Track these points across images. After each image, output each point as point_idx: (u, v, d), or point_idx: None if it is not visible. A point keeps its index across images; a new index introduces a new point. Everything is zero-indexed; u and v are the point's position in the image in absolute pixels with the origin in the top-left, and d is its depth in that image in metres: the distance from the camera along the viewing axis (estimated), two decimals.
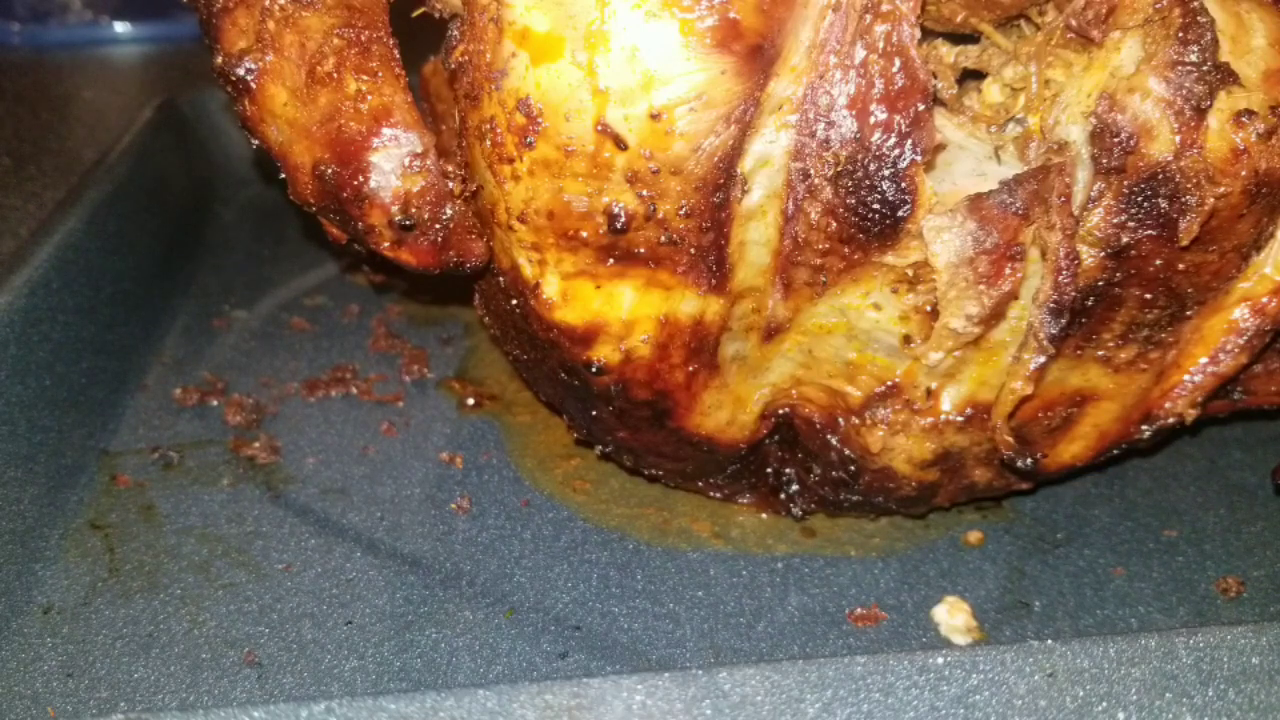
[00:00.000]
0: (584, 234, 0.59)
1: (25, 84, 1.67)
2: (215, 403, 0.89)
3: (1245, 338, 0.67)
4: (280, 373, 0.94)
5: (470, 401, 0.91)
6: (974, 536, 0.77)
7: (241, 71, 0.60)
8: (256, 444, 0.84)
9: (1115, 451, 0.72)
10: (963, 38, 0.68)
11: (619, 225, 0.58)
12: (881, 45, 0.57)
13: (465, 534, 0.76)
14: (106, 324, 0.90)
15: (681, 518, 0.78)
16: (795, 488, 0.74)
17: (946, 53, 0.67)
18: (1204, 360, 0.68)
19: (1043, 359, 0.61)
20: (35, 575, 0.71)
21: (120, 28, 1.85)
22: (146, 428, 0.86)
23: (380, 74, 0.58)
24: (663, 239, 0.59)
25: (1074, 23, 0.60)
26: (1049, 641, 0.55)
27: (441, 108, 0.83)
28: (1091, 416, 0.69)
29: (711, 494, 0.78)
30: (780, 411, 0.71)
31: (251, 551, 0.74)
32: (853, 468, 0.70)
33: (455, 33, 0.61)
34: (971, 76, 0.69)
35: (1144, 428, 0.70)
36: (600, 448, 0.74)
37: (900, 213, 0.58)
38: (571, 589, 0.72)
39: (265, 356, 0.97)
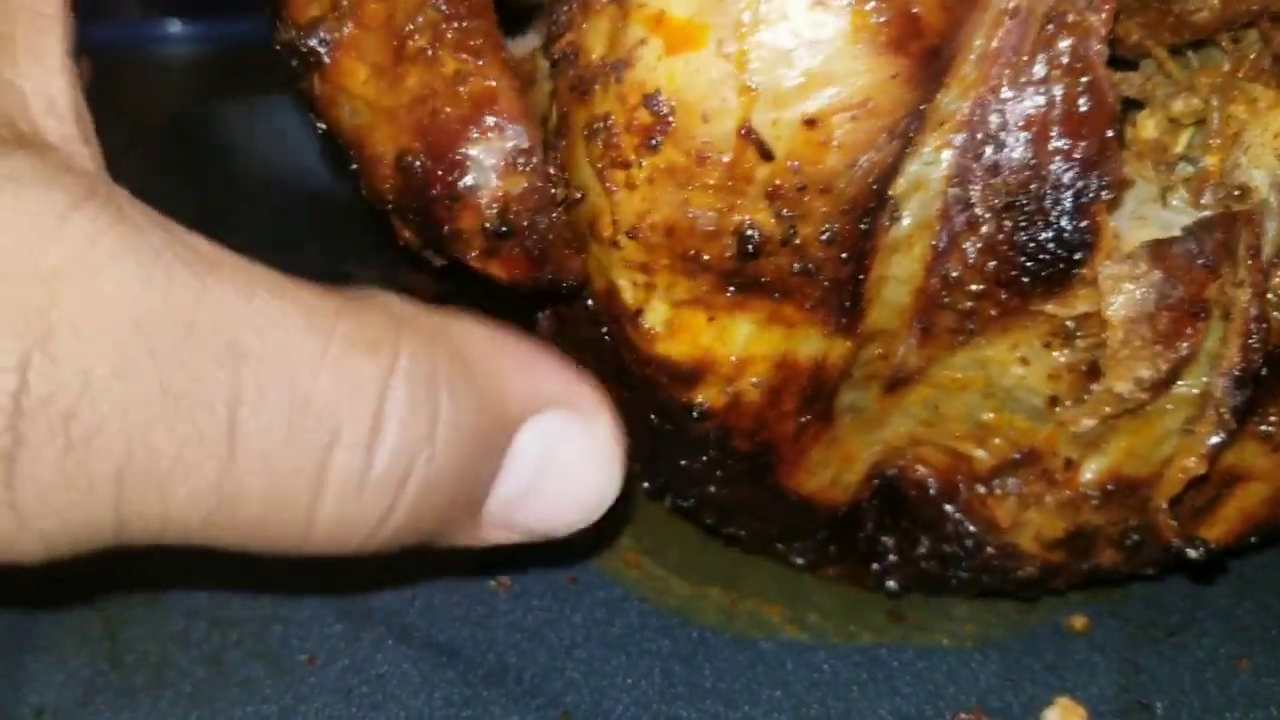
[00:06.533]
0: (706, 256, 0.50)
1: None
2: None
3: None
4: None
5: None
6: (1078, 622, 0.69)
7: (314, 43, 0.51)
8: None
9: (1253, 539, 0.64)
10: (1121, 62, 0.60)
11: (750, 249, 0.49)
12: (1066, 61, 0.49)
13: (508, 617, 0.67)
14: None
15: (750, 598, 0.70)
16: (893, 559, 0.65)
17: None
18: None
19: (1222, 435, 0.53)
20: (26, 669, 0.61)
21: (174, 26, 1.67)
22: None
23: (484, 54, 0.49)
24: (796, 267, 0.50)
25: None
26: None
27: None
28: (1238, 499, 0.61)
29: (794, 558, 0.68)
30: (888, 473, 0.62)
31: (269, 639, 0.64)
32: (970, 543, 0.61)
33: (563, 17, 0.52)
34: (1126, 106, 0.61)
35: None
36: (676, 500, 0.65)
37: (1077, 255, 0.50)
38: (632, 687, 0.63)
39: None
